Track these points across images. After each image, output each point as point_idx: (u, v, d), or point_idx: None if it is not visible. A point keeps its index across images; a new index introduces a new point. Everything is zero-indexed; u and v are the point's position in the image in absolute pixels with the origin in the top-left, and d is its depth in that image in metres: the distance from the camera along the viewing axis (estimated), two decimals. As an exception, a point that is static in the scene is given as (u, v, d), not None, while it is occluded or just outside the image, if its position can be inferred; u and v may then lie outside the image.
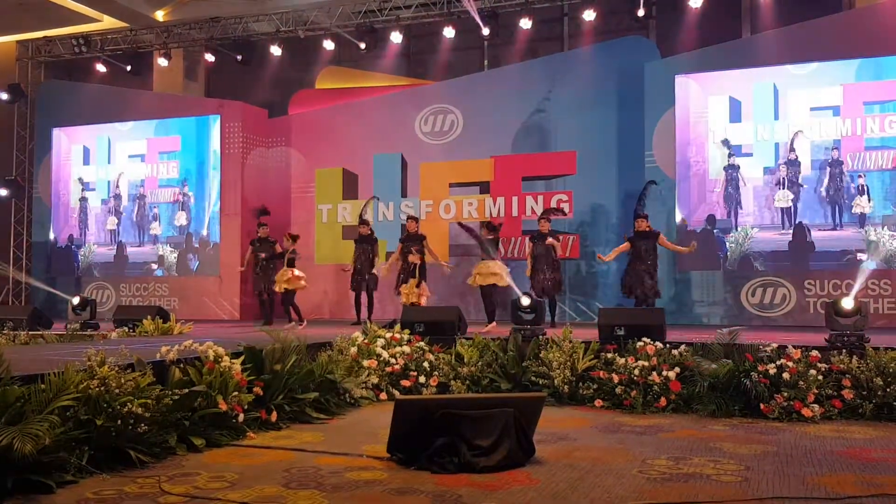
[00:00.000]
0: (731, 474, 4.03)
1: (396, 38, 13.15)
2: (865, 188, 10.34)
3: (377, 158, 13.24)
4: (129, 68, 14.67)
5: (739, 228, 10.91)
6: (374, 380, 6.62)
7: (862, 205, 10.33)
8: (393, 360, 6.82)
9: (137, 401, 4.25)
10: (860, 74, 10.49)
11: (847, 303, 6.48)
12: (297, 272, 10.61)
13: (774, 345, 6.18)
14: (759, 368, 5.92)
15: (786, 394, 5.75)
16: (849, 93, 10.50)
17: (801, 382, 5.79)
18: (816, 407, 5.71)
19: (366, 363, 6.68)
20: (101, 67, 14.97)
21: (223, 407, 4.87)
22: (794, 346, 6.14)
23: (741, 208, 10.93)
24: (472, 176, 12.69)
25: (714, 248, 11.00)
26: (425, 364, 6.88)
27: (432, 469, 4.06)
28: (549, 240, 9.81)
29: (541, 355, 6.64)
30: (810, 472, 4.10)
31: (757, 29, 12.01)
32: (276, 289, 10.60)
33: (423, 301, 9.97)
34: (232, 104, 13.86)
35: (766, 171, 10.86)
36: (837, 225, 10.46)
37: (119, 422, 4.12)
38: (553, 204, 12.00)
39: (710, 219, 11.05)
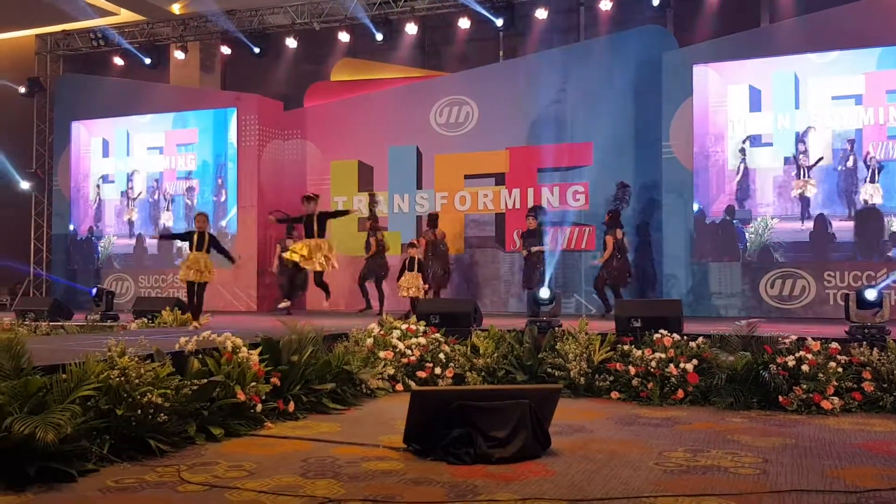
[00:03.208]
0: (749, 467, 4.01)
1: (411, 29, 13.12)
2: (877, 175, 10.19)
3: (392, 150, 13.24)
4: (147, 61, 14.77)
5: (759, 219, 10.81)
6: (391, 371, 6.64)
7: (871, 192, 10.21)
8: (409, 352, 6.84)
9: (157, 391, 4.29)
10: (882, 62, 10.33)
11: (870, 294, 6.38)
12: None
13: (793, 336, 6.12)
14: (778, 360, 5.87)
15: (805, 386, 5.69)
16: (871, 81, 10.35)
17: (821, 374, 5.73)
18: (836, 399, 5.65)
19: (382, 354, 6.71)
20: (118, 61, 15.09)
21: (241, 397, 4.91)
22: (814, 338, 6.08)
23: (750, 198, 10.82)
24: (487, 167, 12.66)
25: (733, 239, 10.90)
26: (441, 356, 6.89)
27: (448, 460, 4.07)
28: (533, 249, 10.56)
29: (556, 347, 6.63)
30: (829, 464, 4.06)
31: (776, 17, 11.84)
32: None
33: (421, 294, 9.99)
34: (248, 97, 13.91)
35: (787, 160, 10.74)
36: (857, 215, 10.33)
37: (139, 411, 4.17)
38: (569, 195, 11.98)
39: (730, 209, 10.95)
